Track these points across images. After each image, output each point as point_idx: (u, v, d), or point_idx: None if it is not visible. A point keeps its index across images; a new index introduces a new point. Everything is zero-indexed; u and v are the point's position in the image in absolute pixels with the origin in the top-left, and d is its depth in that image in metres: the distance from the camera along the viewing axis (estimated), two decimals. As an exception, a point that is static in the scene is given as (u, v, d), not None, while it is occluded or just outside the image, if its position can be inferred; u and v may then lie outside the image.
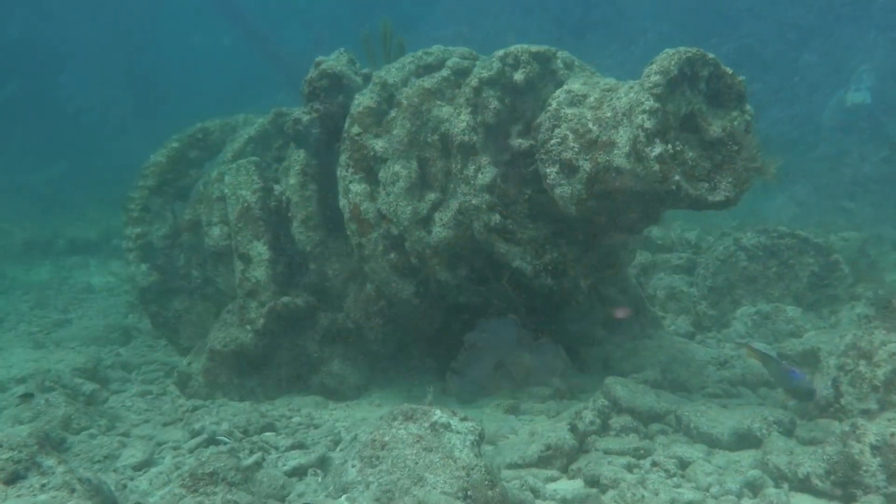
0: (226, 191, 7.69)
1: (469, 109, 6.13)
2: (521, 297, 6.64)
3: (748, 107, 5.52)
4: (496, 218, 6.04)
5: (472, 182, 6.04)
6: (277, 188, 7.70)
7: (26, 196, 25.40)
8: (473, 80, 6.23)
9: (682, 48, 5.34)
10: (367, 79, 7.52)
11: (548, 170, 5.88)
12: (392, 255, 6.61)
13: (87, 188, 24.66)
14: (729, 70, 5.53)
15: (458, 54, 7.24)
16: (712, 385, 6.91)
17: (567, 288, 6.23)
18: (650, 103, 5.13)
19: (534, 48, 6.50)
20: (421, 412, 4.51)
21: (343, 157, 6.84)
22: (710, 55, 5.44)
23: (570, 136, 5.79)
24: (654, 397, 5.95)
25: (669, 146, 5.16)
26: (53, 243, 17.71)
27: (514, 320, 6.91)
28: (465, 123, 6.10)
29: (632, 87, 5.53)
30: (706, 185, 5.22)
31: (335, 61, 7.72)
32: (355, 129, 6.81)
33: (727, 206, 5.29)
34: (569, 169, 5.76)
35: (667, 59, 5.27)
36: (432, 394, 5.80)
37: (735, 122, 5.44)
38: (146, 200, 9.18)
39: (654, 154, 5.08)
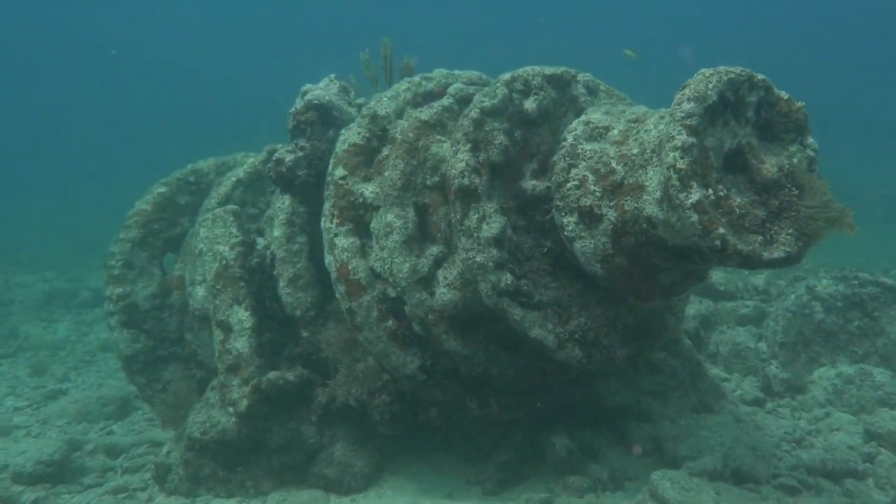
0: (201, 246, 7.11)
1: (469, 146, 5.46)
2: (547, 368, 5.92)
3: (811, 139, 4.75)
4: (507, 278, 5.34)
5: (474, 235, 5.35)
6: (261, 241, 7.09)
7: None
8: (473, 111, 5.56)
9: (722, 68, 4.60)
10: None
11: (565, 219, 5.18)
12: (390, 322, 5.95)
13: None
14: (784, 94, 4.77)
15: (463, 79, 6.58)
16: (786, 473, 6.13)
17: (599, 360, 5.47)
18: (682, 137, 4.40)
19: (548, 70, 5.83)
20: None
21: (327, 206, 6.21)
22: (760, 76, 4.70)
23: (590, 178, 5.09)
24: (712, 496, 5.22)
25: (710, 191, 4.41)
26: (76, 295, 17.50)
27: None
28: (463, 164, 5.42)
29: (662, 118, 4.82)
30: (760, 238, 4.45)
31: (324, 90, 7.13)
32: (340, 172, 6.19)
33: (788, 264, 4.50)
34: (590, 218, 5.06)
35: (703, 81, 4.53)
36: None
37: (795, 159, 4.67)
38: (128, 255, 8.65)
39: (690, 201, 4.34)
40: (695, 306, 9.99)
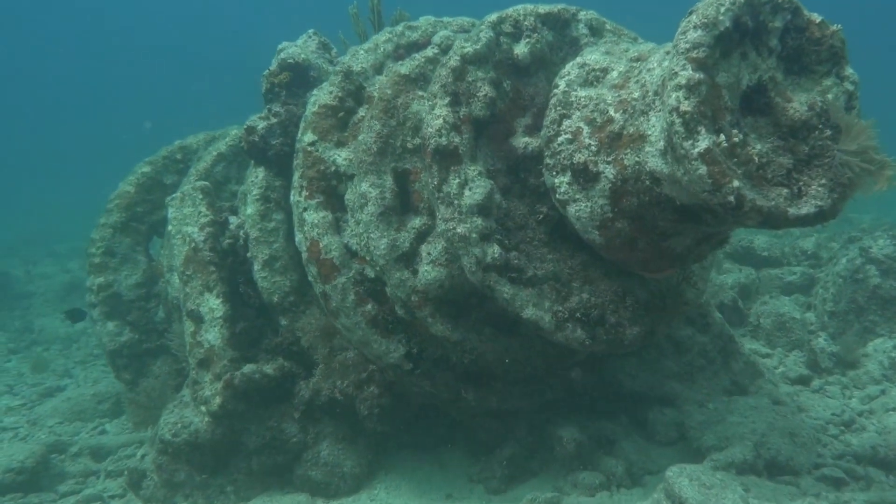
0: (170, 228, 6.50)
1: (447, 100, 4.76)
2: (550, 352, 5.23)
3: (849, 70, 3.96)
4: (494, 250, 4.63)
5: (455, 202, 4.65)
6: (234, 220, 6.44)
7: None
8: (453, 59, 4.85)
9: None
10: (344, 69, 6.19)
11: (556, 179, 4.47)
12: (369, 307, 5.29)
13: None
14: (816, 17, 3.98)
15: (453, 27, 5.87)
16: (830, 463, 5.39)
17: (606, 340, 4.75)
18: (687, 73, 3.65)
19: (543, 8, 5.11)
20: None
21: (295, 176, 5.57)
22: None
23: (585, 130, 4.38)
24: (739, 493, 4.52)
25: (722, 137, 3.66)
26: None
27: None
28: (441, 120, 4.72)
29: (668, 52, 4.05)
30: (785, 191, 3.70)
31: (300, 47, 6.47)
32: (309, 137, 5.53)
33: (821, 221, 3.74)
34: (585, 177, 4.34)
35: (713, 4, 3.77)
36: None
37: (829, 95, 3.90)
38: (109, 242, 8.13)
39: (697, 150, 3.61)
40: (734, 275, 9.25)
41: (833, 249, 9.77)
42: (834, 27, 3.96)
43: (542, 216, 4.88)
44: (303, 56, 6.38)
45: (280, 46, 6.55)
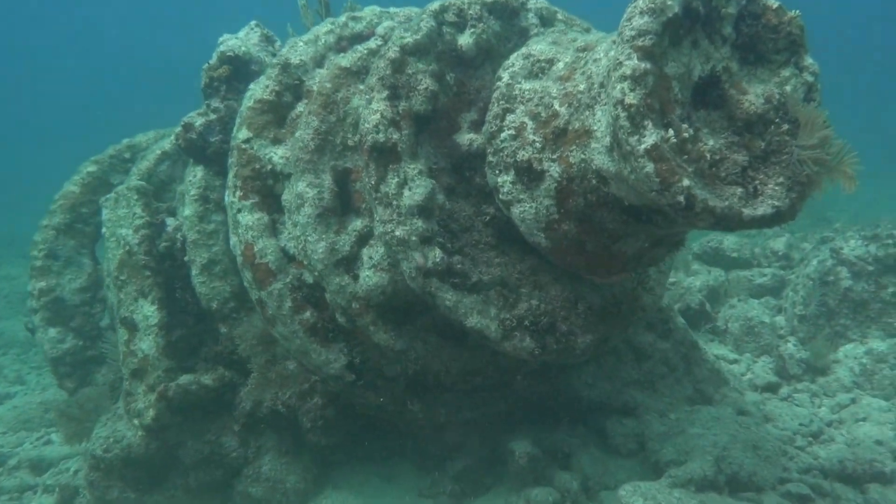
0: (104, 230, 6.15)
1: (385, 94, 4.44)
2: (501, 361, 4.92)
3: (809, 60, 3.68)
4: (435, 254, 4.32)
5: (393, 203, 4.33)
6: (172, 222, 6.10)
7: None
8: (391, 50, 4.53)
9: None
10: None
11: (500, 178, 4.17)
12: (307, 314, 4.97)
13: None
14: (772, 2, 3.69)
15: (400, 17, 5.55)
16: (795, 478, 5.12)
17: (556, 350, 4.45)
18: (632, 63, 3.35)
19: None
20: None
21: (230, 176, 5.24)
22: None
23: (529, 125, 4.08)
24: (697, 513, 4.20)
25: (671, 132, 3.36)
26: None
27: None
28: (378, 115, 4.40)
29: (614, 42, 3.74)
30: (740, 191, 3.40)
31: (241, 40, 6.14)
32: (243, 134, 5.21)
33: (779, 223, 3.46)
34: (529, 176, 4.05)
35: None
36: None
37: (787, 86, 3.61)
38: (52, 244, 7.73)
39: (643, 147, 3.31)
40: (703, 277, 8.99)
41: (805, 250, 9.51)
42: (792, 13, 3.68)
43: (488, 217, 4.57)
44: (244, 49, 6.06)
45: (220, 39, 6.23)
